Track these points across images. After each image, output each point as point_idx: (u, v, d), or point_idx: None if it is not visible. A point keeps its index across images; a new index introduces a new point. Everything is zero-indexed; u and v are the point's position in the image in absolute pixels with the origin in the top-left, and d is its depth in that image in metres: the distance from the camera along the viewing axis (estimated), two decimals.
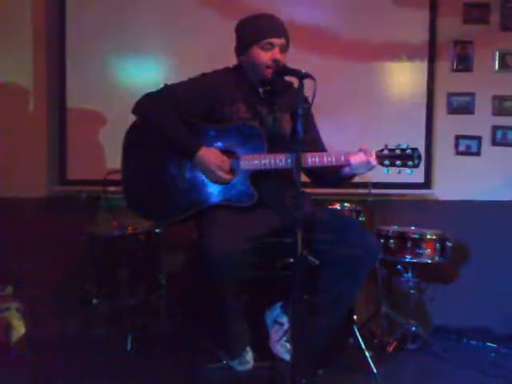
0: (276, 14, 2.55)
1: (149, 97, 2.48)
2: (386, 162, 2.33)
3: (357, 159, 2.34)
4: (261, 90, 2.55)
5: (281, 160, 2.37)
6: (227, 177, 2.40)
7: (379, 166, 2.35)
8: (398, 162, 2.32)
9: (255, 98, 2.54)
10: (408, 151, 2.32)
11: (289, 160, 2.35)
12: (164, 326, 3.16)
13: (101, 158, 3.60)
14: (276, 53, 2.45)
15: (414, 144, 2.35)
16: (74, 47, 3.57)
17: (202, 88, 2.49)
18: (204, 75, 2.54)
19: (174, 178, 2.47)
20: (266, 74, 2.46)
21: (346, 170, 2.40)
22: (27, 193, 3.56)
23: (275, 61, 2.42)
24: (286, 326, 2.50)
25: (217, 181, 2.40)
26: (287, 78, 2.56)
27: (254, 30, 2.49)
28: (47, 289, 3.49)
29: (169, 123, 2.42)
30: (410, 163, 2.32)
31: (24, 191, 3.55)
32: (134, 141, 2.54)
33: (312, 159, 2.36)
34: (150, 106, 2.46)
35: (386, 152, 2.34)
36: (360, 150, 2.36)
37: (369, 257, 2.39)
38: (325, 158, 2.37)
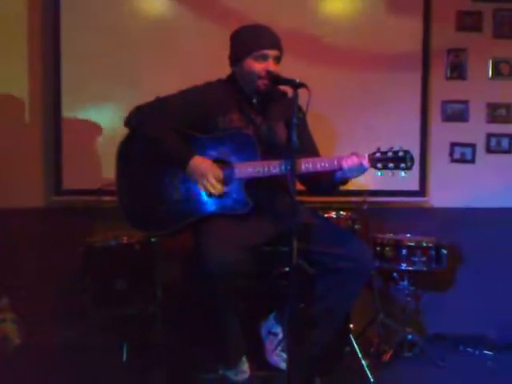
0: (270, 24, 2.57)
1: (140, 109, 2.49)
2: (379, 165, 2.32)
3: (349, 162, 2.33)
4: (254, 100, 2.56)
5: (274, 167, 2.38)
6: (220, 186, 2.40)
7: (372, 170, 2.35)
8: (391, 165, 2.31)
9: (249, 107, 2.56)
10: (400, 153, 2.32)
11: (282, 167, 2.36)
12: (160, 336, 3.14)
13: (97, 167, 3.59)
14: (270, 64, 2.46)
15: None
16: (70, 58, 3.57)
17: (194, 99, 2.50)
18: (196, 87, 2.55)
19: (168, 189, 2.48)
20: (259, 85, 2.47)
21: (339, 174, 2.40)
22: (23, 203, 3.54)
23: (268, 72, 2.44)
24: (281, 335, 2.50)
25: (210, 190, 2.40)
26: (281, 87, 2.58)
27: (248, 40, 2.51)
28: (43, 299, 3.47)
29: (160, 134, 2.43)
30: (402, 165, 2.31)
31: (19, 202, 3.54)
32: (127, 153, 2.56)
33: (305, 165, 2.37)
34: (141, 117, 2.47)
35: (378, 155, 2.33)
36: (352, 154, 2.36)
37: (363, 270, 2.40)
38: (318, 163, 2.37)
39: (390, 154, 2.33)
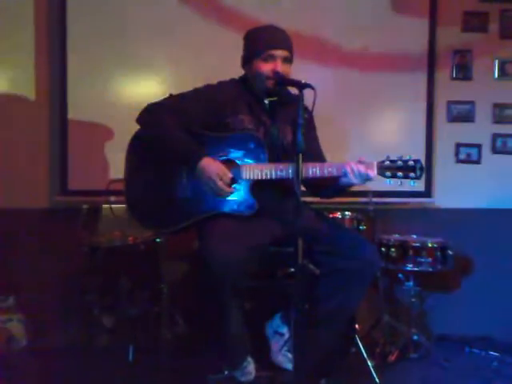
0: (276, 24, 2.57)
1: (152, 106, 2.48)
2: (388, 174, 2.30)
3: (356, 170, 2.33)
4: (266, 101, 2.56)
5: (282, 170, 2.37)
6: (227, 189, 2.40)
7: (381, 177, 2.33)
8: (400, 174, 2.29)
9: (260, 108, 2.55)
10: (410, 163, 2.29)
11: (290, 170, 2.36)
12: (165, 336, 3.15)
13: (102, 168, 3.59)
14: (278, 65, 2.45)
15: (414, 152, 2.35)
16: (76, 57, 3.57)
17: (206, 98, 2.49)
18: (208, 86, 2.55)
19: (176, 187, 2.48)
20: (268, 85, 2.47)
21: (344, 180, 2.38)
22: (28, 203, 3.55)
23: (276, 72, 2.43)
24: (287, 336, 2.50)
25: (216, 192, 2.40)
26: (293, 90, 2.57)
27: (257, 41, 2.51)
28: (49, 299, 3.48)
29: (171, 132, 2.42)
30: (411, 175, 2.29)
31: (25, 202, 3.55)
32: (136, 150, 2.55)
33: (313, 169, 2.36)
34: (154, 115, 2.46)
35: (387, 163, 2.31)
36: (359, 162, 2.34)
37: (368, 270, 2.39)
38: (325, 169, 2.37)
39: (399, 162, 2.30)
